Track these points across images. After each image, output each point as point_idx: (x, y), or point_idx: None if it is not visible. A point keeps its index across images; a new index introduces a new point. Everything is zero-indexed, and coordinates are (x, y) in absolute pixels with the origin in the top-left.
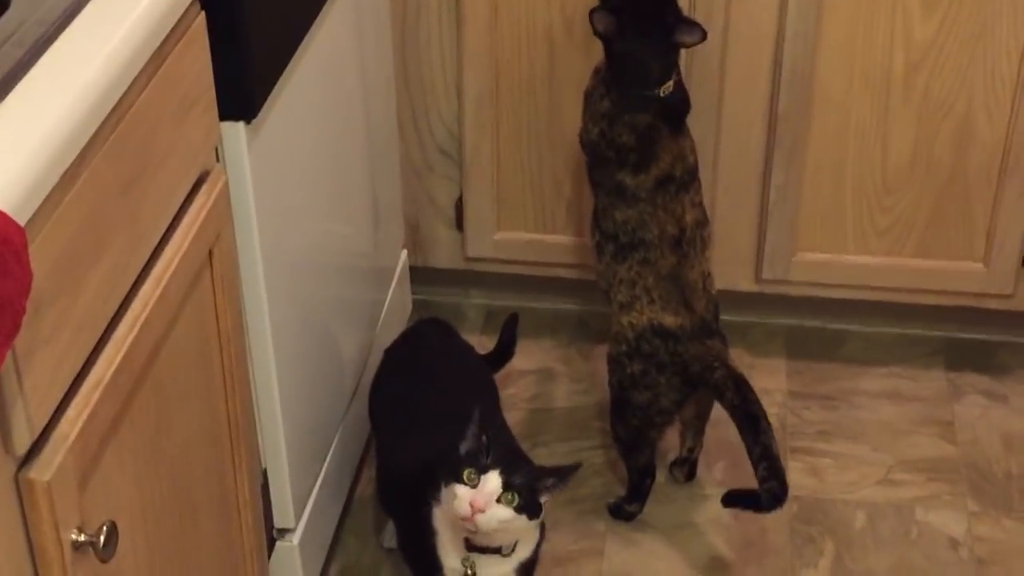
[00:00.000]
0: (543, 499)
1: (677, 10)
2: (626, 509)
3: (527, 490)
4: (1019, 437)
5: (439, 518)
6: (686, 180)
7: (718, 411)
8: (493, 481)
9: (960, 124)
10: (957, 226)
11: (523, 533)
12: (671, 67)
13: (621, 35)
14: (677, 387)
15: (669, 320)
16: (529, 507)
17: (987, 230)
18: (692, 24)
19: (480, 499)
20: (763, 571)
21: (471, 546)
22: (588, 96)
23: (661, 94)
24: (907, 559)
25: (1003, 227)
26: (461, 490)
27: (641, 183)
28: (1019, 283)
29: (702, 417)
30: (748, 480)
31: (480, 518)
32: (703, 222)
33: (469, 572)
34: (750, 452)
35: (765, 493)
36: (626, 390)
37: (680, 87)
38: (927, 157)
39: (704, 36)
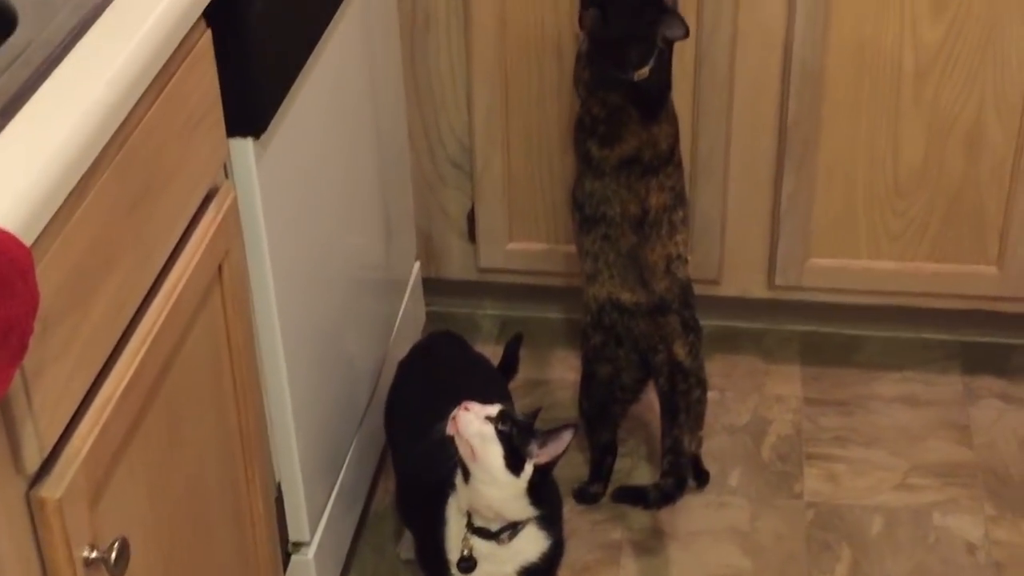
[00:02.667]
0: (529, 458)
1: (662, 4)
2: (589, 491)
3: (517, 429)
4: None
5: (451, 507)
6: (655, 165)
7: (734, 418)
8: (495, 407)
9: (971, 127)
10: (970, 229)
11: (508, 494)
12: (648, 55)
13: (604, 24)
14: (636, 364)
15: (626, 296)
16: (511, 447)
17: (1000, 233)
18: (675, 19)
19: (472, 404)
20: None
21: (471, 525)
22: (577, 59)
23: (635, 79)
24: (925, 564)
25: (1016, 230)
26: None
27: (605, 157)
28: None
29: (687, 410)
30: (765, 489)
31: (463, 415)
32: (674, 206)
33: (465, 552)
34: (661, 441)
35: (655, 489)
36: (591, 363)
37: (659, 75)
38: (938, 161)
39: (687, 32)
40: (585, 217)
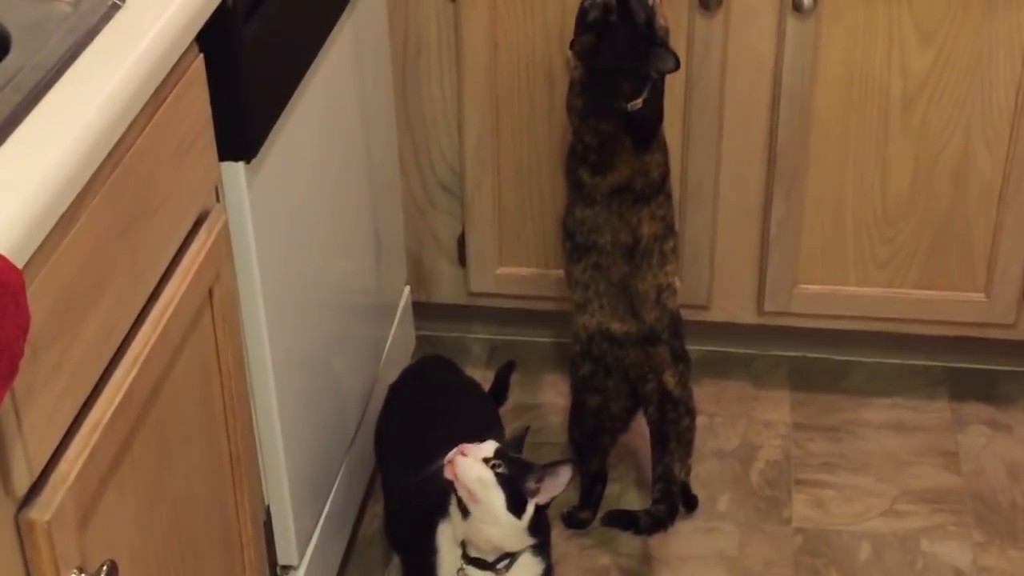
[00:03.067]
0: (533, 497)
1: (654, 37)
2: (578, 517)
3: (515, 469)
4: (1023, 466)
5: (442, 535)
6: (647, 194)
7: (723, 443)
8: (490, 444)
9: (959, 154)
10: (958, 256)
11: (509, 533)
12: (641, 87)
13: (596, 54)
14: (625, 393)
15: (616, 326)
16: (511, 489)
17: (988, 260)
18: (666, 53)
19: (469, 447)
20: None
21: (467, 556)
22: (571, 86)
23: (628, 109)
24: None
25: (1004, 257)
26: (458, 447)
27: (596, 185)
28: (1021, 313)
29: (676, 439)
30: (753, 514)
31: (460, 461)
32: (664, 236)
33: None
34: (652, 470)
35: (646, 516)
36: (580, 392)
37: (652, 106)
38: (926, 188)
39: (677, 65)
40: (576, 245)
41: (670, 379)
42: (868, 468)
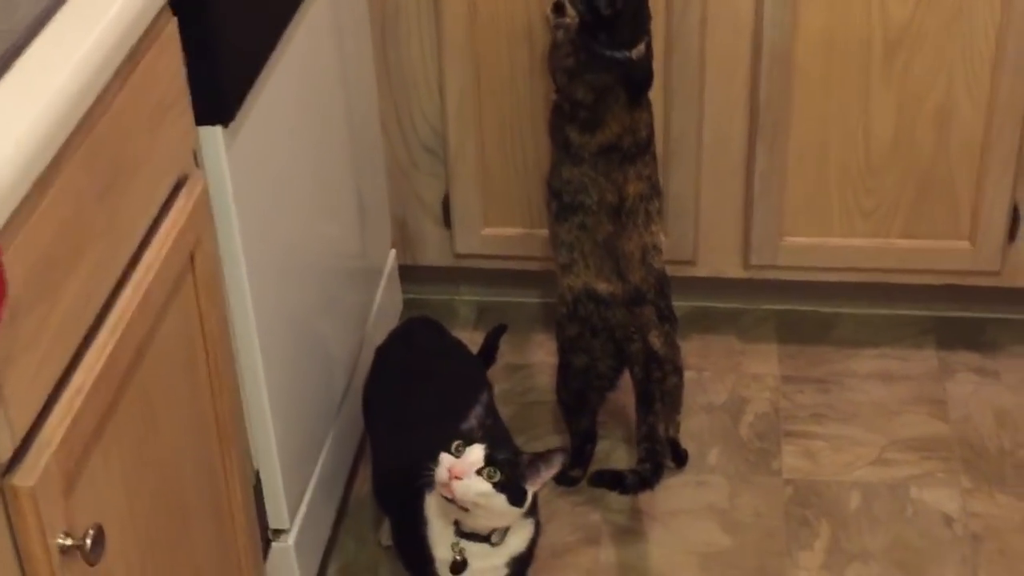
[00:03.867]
0: (529, 487)
1: None
2: (569, 474)
3: (509, 469)
4: (1011, 413)
5: (431, 506)
6: (633, 152)
7: (712, 397)
8: (476, 453)
9: (941, 103)
10: (942, 205)
11: (510, 520)
12: (644, 30)
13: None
14: (611, 353)
15: (602, 286)
16: (511, 489)
17: (972, 208)
18: None
19: (459, 466)
20: (759, 555)
21: (461, 532)
22: (555, 47)
23: (633, 56)
24: (903, 537)
25: (987, 204)
26: (446, 458)
27: (585, 143)
28: (1005, 260)
29: (662, 399)
30: (743, 467)
31: (457, 485)
32: (649, 195)
33: (458, 558)
34: (637, 429)
35: (633, 474)
36: (567, 353)
37: (648, 55)
38: (909, 137)
39: None
40: (563, 205)
41: (656, 339)
42: (857, 418)
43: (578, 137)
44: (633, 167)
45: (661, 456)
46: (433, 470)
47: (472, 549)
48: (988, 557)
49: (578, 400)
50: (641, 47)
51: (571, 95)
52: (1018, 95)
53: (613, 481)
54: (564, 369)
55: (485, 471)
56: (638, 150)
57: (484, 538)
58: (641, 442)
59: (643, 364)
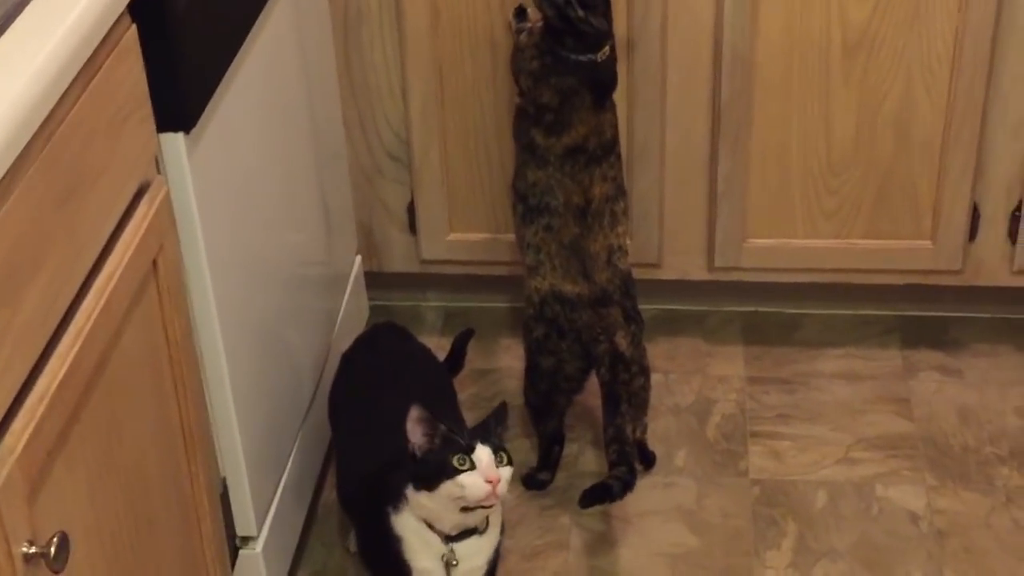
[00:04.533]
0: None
1: None
2: (537, 478)
3: (499, 442)
4: (974, 410)
5: (401, 523)
6: (599, 154)
7: (678, 399)
8: (485, 452)
9: (900, 104)
10: (903, 205)
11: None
12: (606, 36)
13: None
14: (578, 354)
15: (568, 288)
16: (509, 458)
17: (933, 207)
18: None
19: (491, 472)
20: (727, 555)
21: (449, 538)
22: (518, 51)
23: (598, 59)
24: (869, 535)
25: (948, 204)
26: (468, 477)
27: (551, 146)
28: (967, 259)
29: (628, 400)
30: (710, 468)
31: (500, 488)
32: (615, 196)
33: (454, 563)
34: (604, 431)
35: (614, 479)
36: (534, 355)
37: (613, 57)
38: (870, 138)
39: None
40: (528, 208)
41: (622, 340)
42: (822, 418)
43: (543, 140)
44: (599, 168)
45: (631, 457)
46: (403, 496)
47: (462, 550)
48: (953, 553)
49: (546, 402)
50: (606, 50)
51: (536, 98)
52: (976, 96)
53: (603, 495)
54: (531, 371)
55: (497, 459)
56: (603, 152)
57: (472, 531)
58: (610, 444)
59: (610, 365)
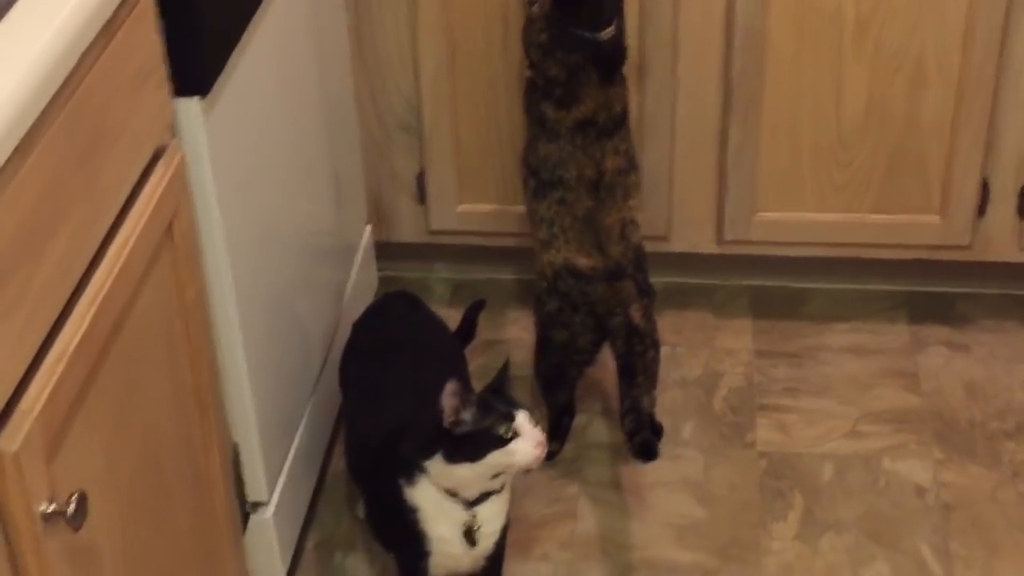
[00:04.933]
0: None
1: None
2: (547, 449)
3: (519, 403)
4: (981, 385)
5: (418, 494)
6: (609, 127)
7: (686, 372)
8: (524, 417)
9: (912, 77)
10: (913, 179)
11: None
12: (615, 12)
13: None
14: (591, 328)
15: (582, 261)
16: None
17: (942, 182)
18: None
19: (538, 436)
20: (734, 526)
21: (472, 502)
22: (529, 22)
23: (602, 37)
24: (875, 508)
25: (958, 179)
26: (517, 445)
27: (561, 119)
28: (976, 234)
29: (643, 372)
30: (718, 440)
31: (543, 451)
32: (627, 170)
33: (476, 528)
34: (621, 403)
35: (635, 446)
36: (546, 328)
37: (620, 36)
38: (881, 111)
39: None
40: (541, 182)
41: (636, 313)
42: (830, 391)
43: (554, 113)
44: (610, 141)
45: (647, 427)
46: (409, 461)
47: (484, 512)
48: (959, 527)
49: (557, 374)
50: (611, 29)
51: (545, 71)
52: (988, 72)
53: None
54: (543, 344)
55: (534, 419)
56: (614, 125)
57: (489, 493)
58: (626, 415)
59: (625, 338)
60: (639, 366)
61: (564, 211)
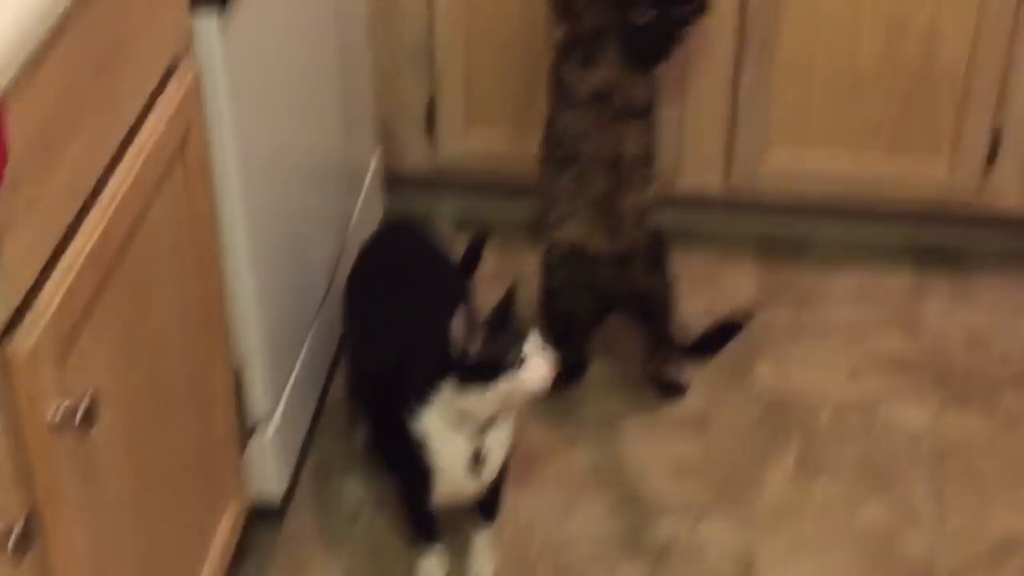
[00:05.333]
0: None
1: None
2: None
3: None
4: (981, 335)
5: (424, 424)
6: (628, 113)
7: (690, 311)
8: (536, 340)
9: (928, 25)
10: (923, 128)
11: None
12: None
13: None
14: (598, 302)
15: (594, 243)
16: None
17: (952, 133)
18: None
19: (548, 358)
20: (730, 468)
21: (482, 429)
22: None
23: (638, 21)
24: (871, 453)
25: (968, 129)
26: (529, 368)
27: (579, 83)
28: (983, 185)
29: (657, 334)
30: (718, 381)
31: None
32: (646, 161)
33: (483, 455)
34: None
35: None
36: (551, 297)
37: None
38: (895, 58)
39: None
40: (558, 159)
41: (647, 292)
42: (830, 337)
43: (572, 75)
44: (629, 127)
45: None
46: (415, 392)
47: (491, 440)
48: (954, 475)
49: (563, 338)
50: (651, 16)
51: (578, 24)
52: (1005, 21)
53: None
54: (547, 311)
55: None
56: (632, 113)
57: (496, 421)
58: (651, 377)
59: (642, 315)
60: (655, 332)
61: (581, 189)
